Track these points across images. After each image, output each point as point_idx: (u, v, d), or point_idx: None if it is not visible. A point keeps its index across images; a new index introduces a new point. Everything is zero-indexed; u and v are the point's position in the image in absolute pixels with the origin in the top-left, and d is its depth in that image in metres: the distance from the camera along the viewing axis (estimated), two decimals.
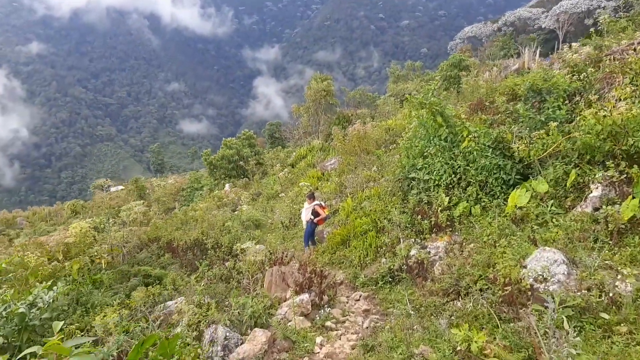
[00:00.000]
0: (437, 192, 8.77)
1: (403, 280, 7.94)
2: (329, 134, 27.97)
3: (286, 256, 8.34)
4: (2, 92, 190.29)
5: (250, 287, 7.56)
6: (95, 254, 10.80)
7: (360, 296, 7.97)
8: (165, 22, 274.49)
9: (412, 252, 8.01)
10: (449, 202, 8.55)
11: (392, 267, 8.19)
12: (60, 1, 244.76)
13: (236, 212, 17.90)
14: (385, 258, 9.03)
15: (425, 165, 9.43)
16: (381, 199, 11.49)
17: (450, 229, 8.07)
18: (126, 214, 14.95)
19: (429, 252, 7.67)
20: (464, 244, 7.56)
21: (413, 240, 8.81)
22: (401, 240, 8.52)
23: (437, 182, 9.07)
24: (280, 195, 21.71)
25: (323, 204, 12.00)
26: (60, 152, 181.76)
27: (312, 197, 12.04)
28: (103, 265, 10.75)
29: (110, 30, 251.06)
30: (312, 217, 11.66)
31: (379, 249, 9.94)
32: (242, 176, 30.94)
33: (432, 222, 8.58)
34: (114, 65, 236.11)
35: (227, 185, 28.46)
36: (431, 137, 9.88)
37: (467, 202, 8.45)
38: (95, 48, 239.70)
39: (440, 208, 8.46)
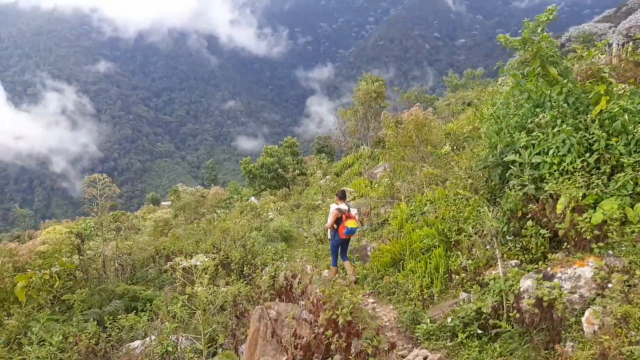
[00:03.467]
0: (560, 183, 5.11)
1: (506, 336, 4.35)
2: (380, 141, 24.50)
3: (299, 282, 4.94)
4: (73, 108, 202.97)
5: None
6: (51, 268, 7.96)
7: (425, 358, 4.44)
8: (223, 43, 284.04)
9: (525, 284, 4.39)
10: (582, 199, 4.85)
11: (483, 309, 4.63)
12: (126, 23, 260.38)
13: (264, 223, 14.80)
14: (468, 291, 5.45)
15: (533, 142, 5.79)
16: (452, 202, 7.89)
17: (596, 244, 4.36)
18: (130, 221, 12.18)
19: (561, 287, 4.02)
20: (631, 271, 3.89)
21: (517, 263, 5.18)
22: (499, 263, 4.90)
23: (557, 167, 5.40)
24: (320, 205, 18.43)
25: (351, 211, 8.46)
26: (122, 167, 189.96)
27: (343, 196, 8.60)
28: (56, 284, 7.87)
29: (172, 51, 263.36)
30: (335, 226, 8.28)
31: (452, 275, 6.34)
32: (283, 186, 28.05)
33: (554, 233, 4.92)
34: (175, 85, 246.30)
35: (252, 198, 25.54)
36: (540, 101, 6.25)
37: (618, 198, 4.73)
38: (158, 68, 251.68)
39: (568, 208, 4.77)
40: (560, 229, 4.65)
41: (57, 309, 9.81)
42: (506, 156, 5.95)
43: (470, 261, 5.88)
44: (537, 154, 5.68)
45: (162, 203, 55.15)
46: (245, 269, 9.52)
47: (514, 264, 5.31)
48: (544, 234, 4.93)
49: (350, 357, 3.23)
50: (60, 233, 9.86)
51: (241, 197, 28.18)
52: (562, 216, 4.68)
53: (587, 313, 3.66)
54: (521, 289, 4.35)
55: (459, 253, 6.56)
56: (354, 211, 8.54)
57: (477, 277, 5.64)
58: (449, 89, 51.37)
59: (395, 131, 11.08)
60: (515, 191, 5.63)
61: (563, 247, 4.80)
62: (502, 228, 5.38)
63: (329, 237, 8.64)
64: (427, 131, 10.85)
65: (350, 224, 8.09)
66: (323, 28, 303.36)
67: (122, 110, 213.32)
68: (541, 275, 4.09)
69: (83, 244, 11.29)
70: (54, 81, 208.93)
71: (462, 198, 7.68)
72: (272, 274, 5.19)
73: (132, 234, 15.60)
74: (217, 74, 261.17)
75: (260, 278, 6.12)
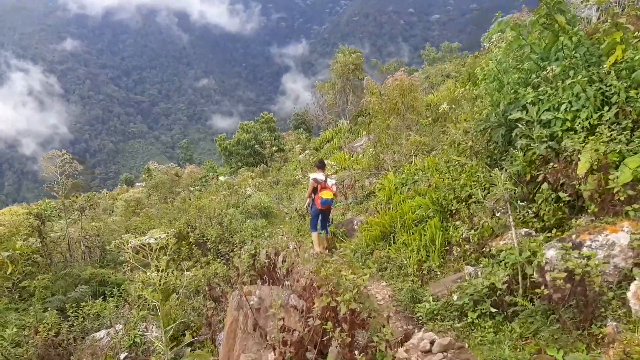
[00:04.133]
0: (580, 139, 4.52)
1: (525, 314, 3.80)
2: (359, 114, 23.79)
3: (283, 260, 4.24)
4: (40, 88, 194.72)
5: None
6: (2, 252, 7.06)
7: (432, 342, 3.85)
8: (194, 19, 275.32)
9: (548, 254, 3.82)
10: (605, 155, 4.28)
11: (496, 284, 4.05)
12: (93, 0, 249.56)
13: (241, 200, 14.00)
14: (474, 265, 4.89)
15: (542, 98, 5.17)
16: (446, 169, 7.29)
17: (630, 207, 3.79)
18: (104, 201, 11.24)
19: (592, 255, 3.44)
20: None
21: (527, 232, 4.61)
22: (512, 232, 4.31)
23: (571, 123, 4.81)
24: (300, 180, 17.72)
25: (328, 181, 8.10)
26: (94, 149, 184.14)
27: (321, 166, 8.32)
28: (9, 270, 7.00)
29: (142, 28, 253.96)
30: (313, 195, 8.08)
31: (452, 247, 5.77)
32: (260, 163, 27.14)
33: (576, 197, 4.35)
34: (145, 64, 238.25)
35: (221, 178, 24.62)
36: (546, 54, 5.62)
37: None
38: (127, 46, 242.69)
39: (589, 169, 4.19)
40: (584, 190, 4.08)
41: (16, 296, 8.95)
42: (510, 114, 5.33)
43: (473, 231, 5.30)
44: (546, 110, 5.08)
45: (137, 184, 53.45)
46: (221, 247, 8.78)
47: (523, 233, 4.75)
48: (563, 198, 4.35)
49: (354, 354, 2.57)
50: (17, 214, 8.89)
51: (217, 176, 27.19)
52: (584, 177, 4.09)
53: (633, 287, 3.11)
54: (546, 258, 3.77)
55: (458, 223, 5.98)
56: (331, 181, 8.20)
57: (483, 249, 5.08)
58: (427, 63, 50.89)
59: (379, 98, 10.36)
60: (523, 152, 5.03)
61: (587, 211, 4.24)
62: (515, 192, 4.77)
63: (306, 206, 8.47)
64: (413, 98, 10.17)
65: (325, 194, 7.82)
66: (296, 3, 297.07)
67: (91, 90, 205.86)
68: (569, 244, 3.52)
69: (44, 225, 10.32)
70: (19, 61, 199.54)
71: (456, 165, 7.09)
72: (253, 252, 4.49)
73: (101, 215, 14.61)
74: (189, 51, 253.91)
75: (239, 257, 5.41)
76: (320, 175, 8.06)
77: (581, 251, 3.50)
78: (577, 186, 4.23)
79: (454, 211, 6.41)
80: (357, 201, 10.41)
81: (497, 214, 5.02)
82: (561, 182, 4.49)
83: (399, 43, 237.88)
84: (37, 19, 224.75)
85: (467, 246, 5.37)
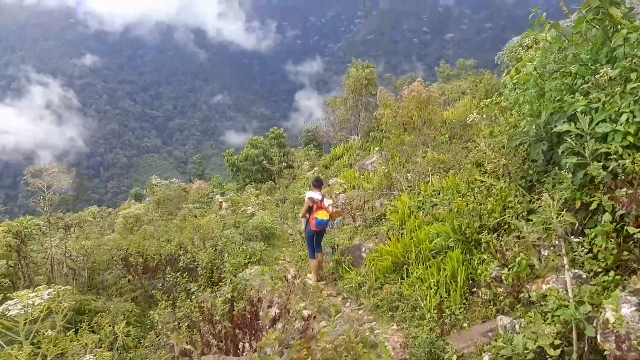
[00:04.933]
0: None
1: None
2: (371, 130, 22.90)
3: (268, 306, 3.24)
4: (58, 102, 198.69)
5: None
6: None
7: None
8: (211, 36, 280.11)
9: (625, 311, 2.79)
10: None
11: (546, 350, 3.03)
12: (112, 16, 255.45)
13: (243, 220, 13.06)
14: (508, 314, 3.86)
15: (594, 106, 4.18)
16: (470, 191, 6.28)
17: None
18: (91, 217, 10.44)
19: None
20: None
21: (576, 273, 3.58)
22: (566, 275, 3.29)
23: (635, 138, 3.81)
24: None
25: (324, 202, 7.55)
26: (108, 163, 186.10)
27: (318, 184, 7.88)
28: None
29: (160, 44, 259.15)
30: (308, 215, 7.66)
31: (479, 288, 4.75)
32: (269, 179, 26.26)
33: None
34: (162, 79, 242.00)
35: (218, 196, 23.85)
36: (596, 55, 4.65)
37: None
38: (146, 62, 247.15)
39: None
40: None
41: None
42: (555, 126, 4.34)
43: (506, 270, 4.27)
44: (601, 121, 4.08)
45: (147, 199, 53.08)
46: (214, 274, 7.83)
47: (572, 275, 3.72)
48: (634, 234, 3.32)
49: None
50: None
51: (228, 192, 26.41)
52: None
53: None
54: (608, 318, 2.74)
55: (486, 257, 4.96)
56: (328, 202, 7.63)
57: (519, 293, 4.04)
58: (441, 80, 50.18)
59: (393, 110, 9.42)
60: (571, 173, 4.03)
61: None
62: (567, 225, 3.74)
63: (303, 227, 7.99)
64: (431, 111, 9.20)
65: (320, 215, 7.35)
66: (312, 22, 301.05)
67: (108, 104, 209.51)
68: None
69: (25, 245, 9.49)
70: (39, 75, 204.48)
71: (481, 187, 6.08)
72: (230, 294, 3.54)
73: (91, 233, 13.78)
74: (206, 67, 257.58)
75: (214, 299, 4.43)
76: (316, 195, 7.56)
77: None
78: None
79: (480, 242, 5.39)
80: (366, 224, 9.41)
81: (544, 252, 3.98)
82: (627, 211, 3.47)
83: (413, 62, 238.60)
84: (57, 34, 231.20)
85: (498, 288, 4.33)
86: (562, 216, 3.38)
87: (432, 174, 8.29)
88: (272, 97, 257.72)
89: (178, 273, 8.19)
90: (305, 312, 3.60)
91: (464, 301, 4.98)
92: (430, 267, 5.80)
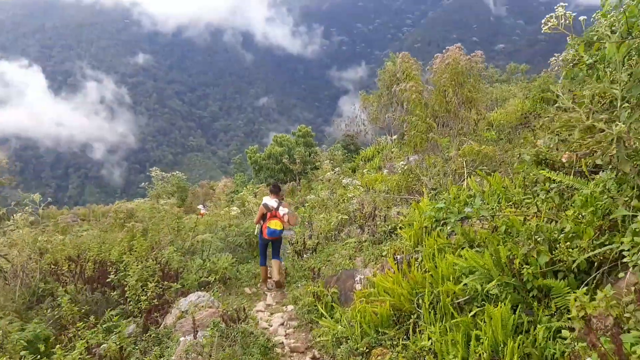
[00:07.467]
0: None
1: None
2: (404, 133, 20.23)
3: None
4: (112, 98, 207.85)
5: None
6: None
7: None
8: (258, 40, 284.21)
9: None
10: None
11: None
12: (166, 17, 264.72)
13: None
14: None
15: None
16: (527, 197, 3.65)
17: None
18: None
19: None
20: None
21: None
22: None
23: None
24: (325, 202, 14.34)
25: (280, 210, 6.94)
26: (155, 159, 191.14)
27: (274, 190, 7.31)
28: None
29: (209, 46, 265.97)
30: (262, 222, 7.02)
31: None
32: (292, 180, 24.05)
33: None
34: (210, 80, 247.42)
35: (200, 205, 22.03)
36: None
37: None
38: (195, 63, 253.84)
39: None
40: None
41: None
42: None
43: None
44: None
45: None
46: (149, 296, 5.53)
47: None
48: None
49: None
50: None
51: (236, 191, 24.56)
52: None
53: None
54: None
55: (562, 324, 2.34)
56: (283, 211, 6.98)
57: None
58: (489, 85, 46.72)
59: (419, 83, 6.84)
60: None
61: None
62: None
63: (257, 232, 7.46)
64: (472, 87, 6.54)
65: (272, 224, 6.77)
66: (359, 29, 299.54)
67: (157, 103, 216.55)
68: None
69: None
70: (94, 71, 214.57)
71: (555, 188, 3.43)
72: None
73: (50, 229, 11.97)
74: (252, 70, 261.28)
75: None
76: (271, 202, 7.03)
77: None
78: None
79: (549, 293, 2.76)
80: (374, 239, 6.83)
81: None
82: None
83: None
84: (113, 34, 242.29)
85: None
86: None
87: (468, 174, 5.65)
88: (316, 101, 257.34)
89: (109, 290, 5.99)
90: None
91: None
92: (452, 329, 3.21)
